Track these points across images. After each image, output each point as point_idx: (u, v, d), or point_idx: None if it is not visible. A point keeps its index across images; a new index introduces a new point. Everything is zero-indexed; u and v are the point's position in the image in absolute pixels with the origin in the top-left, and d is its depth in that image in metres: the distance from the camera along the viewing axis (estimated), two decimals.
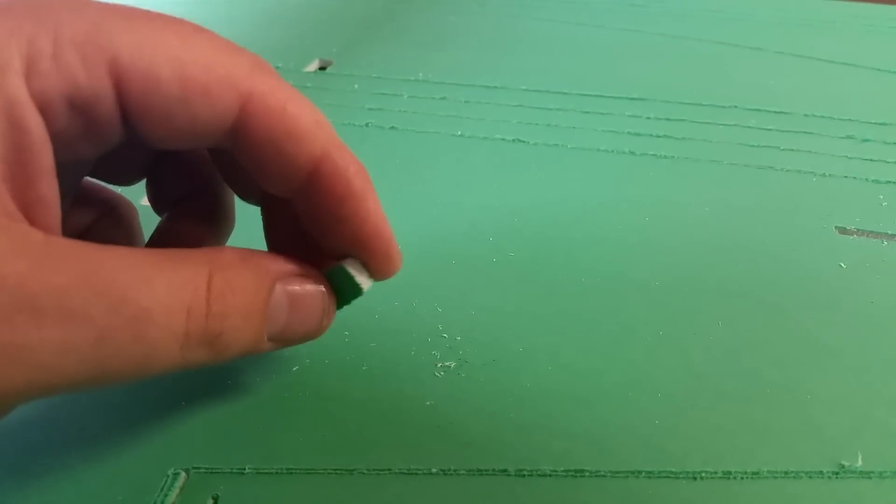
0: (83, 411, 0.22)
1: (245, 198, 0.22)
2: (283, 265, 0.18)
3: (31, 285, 0.13)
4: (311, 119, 0.17)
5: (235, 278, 0.16)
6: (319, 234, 0.19)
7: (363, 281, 0.19)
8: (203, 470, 0.20)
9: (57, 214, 0.15)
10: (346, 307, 0.20)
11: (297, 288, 0.18)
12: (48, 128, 0.15)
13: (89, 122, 0.15)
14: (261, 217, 0.22)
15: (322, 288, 0.19)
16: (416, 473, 0.20)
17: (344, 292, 0.19)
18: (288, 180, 0.17)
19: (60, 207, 0.16)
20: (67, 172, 0.17)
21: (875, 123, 0.38)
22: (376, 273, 0.19)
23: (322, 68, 0.47)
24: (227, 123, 0.16)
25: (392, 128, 0.38)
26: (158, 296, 0.14)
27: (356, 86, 0.43)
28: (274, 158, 0.17)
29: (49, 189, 0.15)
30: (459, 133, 0.37)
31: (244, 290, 0.16)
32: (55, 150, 0.15)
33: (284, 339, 0.18)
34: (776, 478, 0.20)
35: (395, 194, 0.32)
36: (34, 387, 0.13)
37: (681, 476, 0.20)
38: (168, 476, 0.20)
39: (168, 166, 0.22)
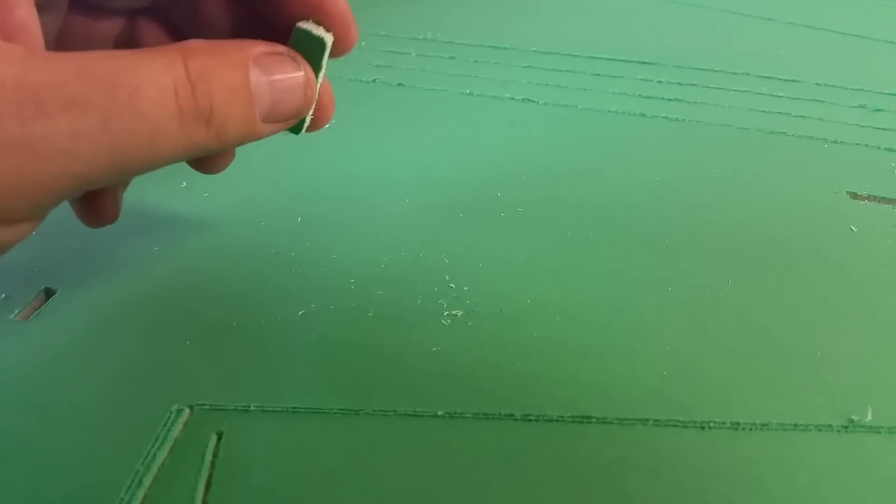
0: (88, 348, 0.22)
1: None
2: (251, 45, 0.18)
3: (28, 81, 0.13)
4: None
5: (209, 60, 0.16)
6: (277, 15, 0.19)
7: (322, 34, 0.19)
8: (207, 407, 0.20)
9: (39, 40, 0.16)
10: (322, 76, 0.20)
11: (271, 63, 0.18)
12: None
13: None
14: None
15: (293, 56, 0.19)
16: (422, 416, 0.20)
17: (311, 54, 0.19)
18: None
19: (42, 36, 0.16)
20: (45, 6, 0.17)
21: (887, 94, 0.37)
22: (337, 43, 0.19)
23: None
24: None
25: (400, 84, 0.37)
26: (145, 76, 0.15)
27: (363, 43, 0.42)
28: None
29: (27, 15, 0.15)
30: (469, 91, 0.37)
31: (220, 69, 0.16)
32: None
33: (278, 117, 0.18)
34: (785, 430, 0.20)
35: (402, 148, 0.32)
36: (61, 177, 0.14)
37: (689, 425, 0.20)
38: (172, 412, 0.20)
39: None
